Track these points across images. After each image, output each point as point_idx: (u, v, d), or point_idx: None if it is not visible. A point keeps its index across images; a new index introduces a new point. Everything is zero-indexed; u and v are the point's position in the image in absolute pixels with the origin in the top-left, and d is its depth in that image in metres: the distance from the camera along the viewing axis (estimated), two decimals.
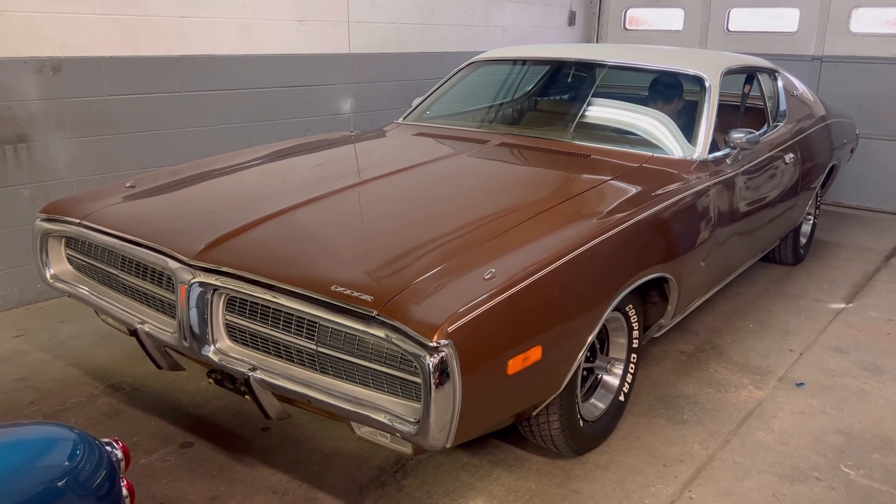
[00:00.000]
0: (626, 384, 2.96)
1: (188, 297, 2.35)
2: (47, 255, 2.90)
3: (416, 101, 4.34)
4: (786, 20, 6.90)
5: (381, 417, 2.05)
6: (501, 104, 4.45)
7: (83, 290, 2.83)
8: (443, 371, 1.91)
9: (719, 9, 7.18)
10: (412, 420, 2.00)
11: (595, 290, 2.50)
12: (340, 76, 5.49)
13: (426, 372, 1.91)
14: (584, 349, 2.46)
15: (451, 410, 1.97)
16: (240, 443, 2.87)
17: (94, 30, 4.10)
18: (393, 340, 1.97)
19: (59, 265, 2.92)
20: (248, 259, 2.33)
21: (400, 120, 4.22)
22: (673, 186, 3.05)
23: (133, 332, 2.61)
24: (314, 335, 2.18)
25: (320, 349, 2.18)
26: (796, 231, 4.91)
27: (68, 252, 2.93)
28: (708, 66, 3.76)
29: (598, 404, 2.88)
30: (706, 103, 3.58)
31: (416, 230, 2.57)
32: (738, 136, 3.49)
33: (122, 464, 1.62)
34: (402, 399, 2.08)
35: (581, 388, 2.72)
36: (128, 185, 3.05)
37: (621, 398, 2.96)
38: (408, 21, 5.94)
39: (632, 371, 2.98)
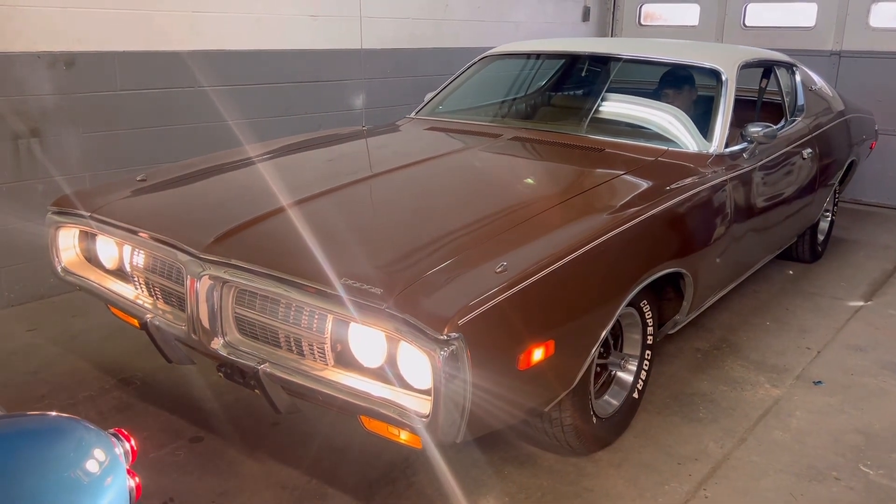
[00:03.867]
0: (640, 381, 2.92)
1: (197, 289, 2.33)
2: (59, 248, 2.89)
3: (428, 96, 4.31)
4: (803, 15, 6.81)
5: (390, 412, 2.03)
6: (514, 99, 4.41)
7: (94, 282, 2.82)
8: (453, 363, 1.88)
9: (736, 3, 7.10)
10: (423, 414, 1.97)
11: (609, 285, 2.47)
12: (353, 72, 5.47)
13: (435, 363, 1.87)
14: (597, 345, 2.42)
15: (461, 405, 1.94)
16: (250, 438, 2.85)
17: (107, 25, 4.10)
18: (402, 334, 1.94)
19: (70, 258, 2.91)
20: (258, 252, 2.31)
21: (412, 115, 4.19)
22: (688, 180, 3.00)
23: (143, 326, 2.59)
24: (324, 328, 2.15)
25: (329, 342, 2.15)
26: (814, 228, 4.84)
27: (80, 245, 2.92)
28: (724, 60, 3.70)
29: (611, 401, 2.84)
30: (722, 97, 3.53)
31: (427, 223, 2.54)
32: (755, 129, 3.43)
33: (129, 456, 1.60)
34: (412, 393, 2.05)
35: (594, 384, 2.68)
36: (139, 178, 3.04)
37: (635, 395, 2.91)
38: (420, 16, 5.91)
39: (646, 368, 2.93)
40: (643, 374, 2.93)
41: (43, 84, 3.93)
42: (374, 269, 2.17)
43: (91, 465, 1.51)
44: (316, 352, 2.21)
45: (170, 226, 2.55)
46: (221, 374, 2.50)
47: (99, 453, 1.54)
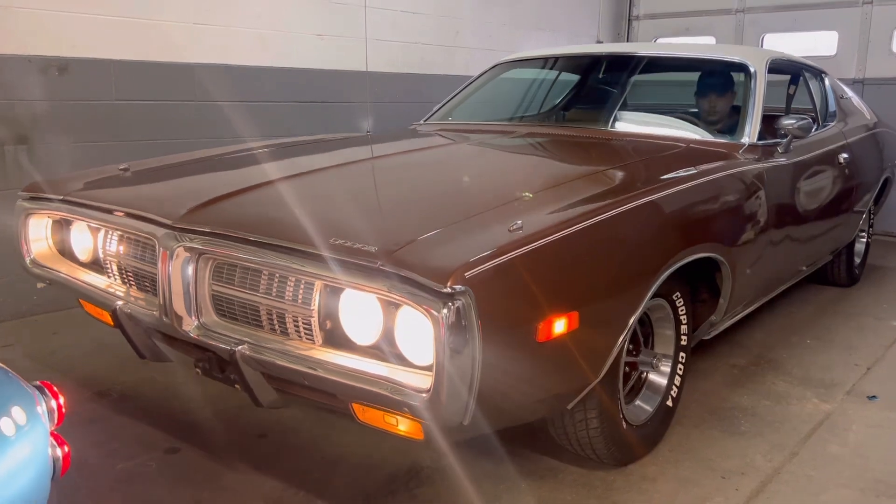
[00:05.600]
0: (674, 387, 2.57)
1: (170, 265, 2.05)
2: (29, 239, 2.64)
3: (437, 107, 4.09)
4: (824, 43, 6.63)
5: (384, 390, 1.71)
6: (529, 108, 4.17)
7: (64, 274, 2.55)
8: (458, 325, 1.57)
9: (752, 34, 6.94)
10: (422, 389, 1.65)
11: (636, 259, 2.16)
12: (359, 94, 5.30)
13: (437, 325, 1.57)
14: (626, 330, 2.10)
15: (468, 378, 1.62)
16: (233, 450, 2.51)
17: (104, 31, 3.94)
18: (399, 293, 1.64)
19: (41, 250, 2.65)
20: (238, 218, 2.04)
21: (420, 121, 3.96)
22: (721, 162, 2.73)
23: (113, 315, 2.30)
24: (311, 299, 1.86)
25: (317, 316, 1.86)
26: (850, 249, 4.52)
27: (53, 237, 2.67)
28: (752, 55, 3.47)
29: (643, 406, 2.49)
30: (752, 90, 3.26)
31: (433, 192, 2.28)
32: (788, 122, 3.15)
33: (55, 416, 1.30)
34: (411, 370, 1.74)
35: (624, 385, 2.34)
36: (121, 168, 2.79)
37: (669, 403, 2.57)
38: (430, 42, 5.76)
39: (680, 372, 2.59)
40: (677, 380, 2.58)
41: (33, 89, 3.74)
42: (369, 229, 1.88)
43: (5, 425, 1.21)
44: (302, 329, 1.90)
45: (144, 200, 2.29)
46: (199, 370, 2.20)
47: (17, 411, 1.24)
